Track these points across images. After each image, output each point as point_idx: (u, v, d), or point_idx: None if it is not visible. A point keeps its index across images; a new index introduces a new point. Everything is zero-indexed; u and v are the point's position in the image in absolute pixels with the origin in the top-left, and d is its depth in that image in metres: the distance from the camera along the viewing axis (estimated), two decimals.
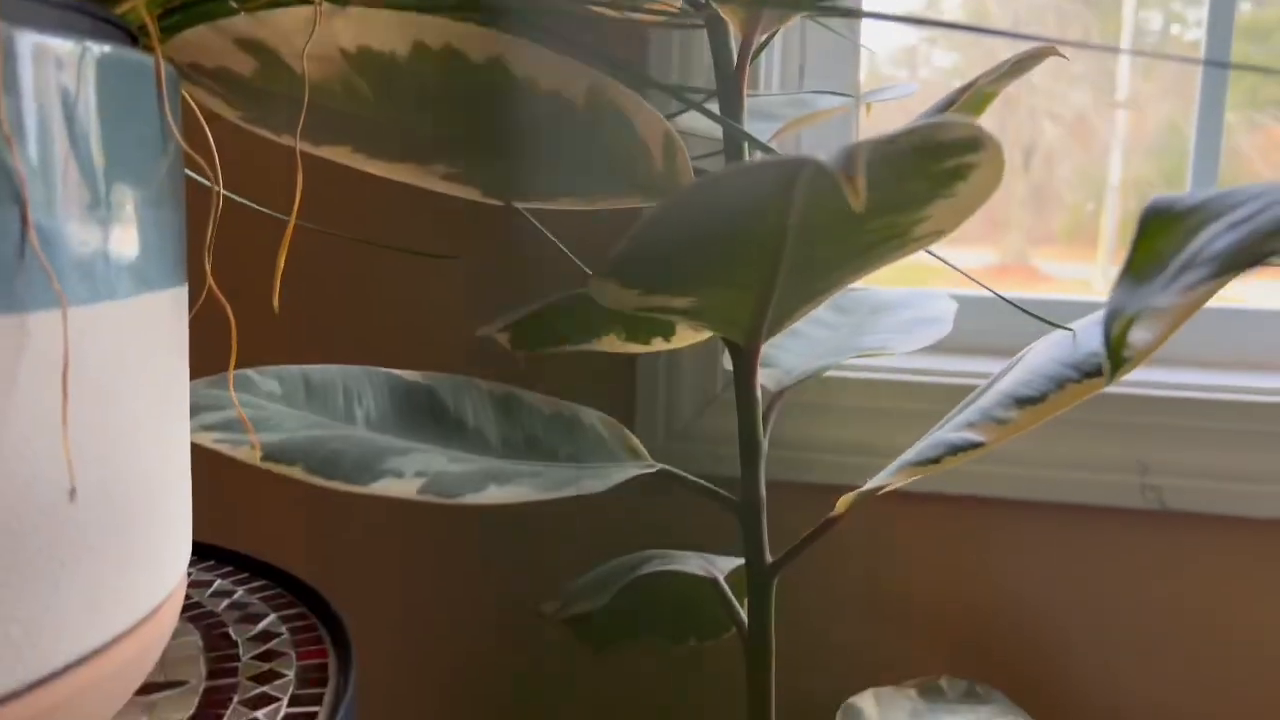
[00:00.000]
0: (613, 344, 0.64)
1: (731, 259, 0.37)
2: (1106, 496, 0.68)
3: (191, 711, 0.36)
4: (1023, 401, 0.43)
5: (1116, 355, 0.21)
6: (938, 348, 0.76)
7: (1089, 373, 0.43)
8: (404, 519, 0.78)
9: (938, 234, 0.37)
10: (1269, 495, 0.68)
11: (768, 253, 0.36)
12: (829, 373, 0.69)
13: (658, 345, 0.64)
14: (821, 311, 0.65)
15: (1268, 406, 0.67)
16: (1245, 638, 0.69)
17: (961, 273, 0.49)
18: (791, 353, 0.58)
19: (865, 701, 0.62)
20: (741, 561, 0.60)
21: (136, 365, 0.30)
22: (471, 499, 0.41)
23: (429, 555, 0.78)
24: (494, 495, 0.42)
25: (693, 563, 0.57)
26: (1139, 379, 0.70)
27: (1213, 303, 0.75)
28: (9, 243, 0.25)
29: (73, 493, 0.26)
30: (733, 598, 0.53)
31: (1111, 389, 0.68)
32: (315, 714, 0.36)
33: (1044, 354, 0.46)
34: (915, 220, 0.36)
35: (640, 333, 0.63)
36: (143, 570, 0.31)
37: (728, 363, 0.68)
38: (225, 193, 0.72)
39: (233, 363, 0.38)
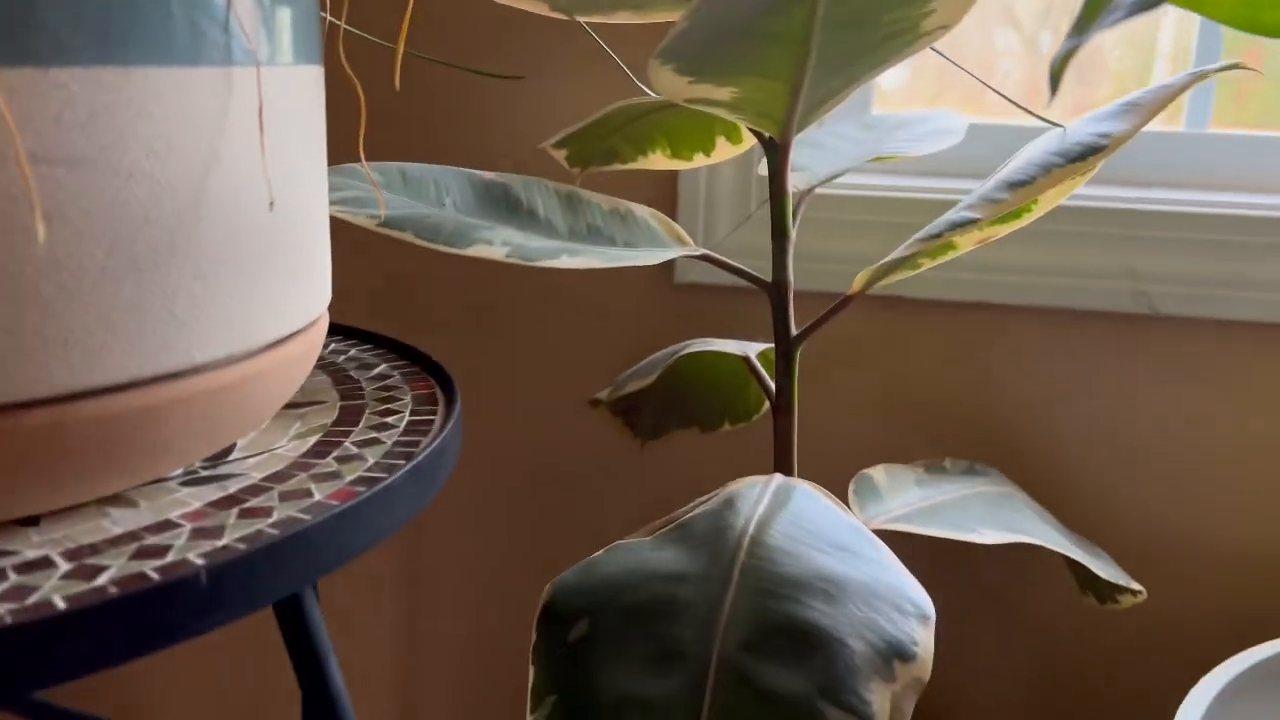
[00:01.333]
0: (659, 161, 0.72)
1: (766, 48, 0.44)
2: (1100, 302, 0.76)
3: (334, 418, 0.46)
4: (1014, 185, 0.50)
5: (1056, 78, 0.28)
6: (957, 171, 0.82)
7: (1073, 159, 0.50)
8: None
9: (944, 28, 0.44)
10: (1252, 300, 0.75)
11: (798, 44, 0.43)
12: (850, 191, 0.76)
13: (699, 161, 0.71)
14: (848, 128, 0.71)
15: (1254, 220, 0.74)
16: (1229, 434, 0.78)
17: (995, 90, 0.56)
18: (819, 160, 0.66)
19: (876, 472, 0.71)
20: (769, 345, 0.69)
21: (299, 120, 0.38)
22: (549, 263, 0.50)
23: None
24: (567, 262, 0.51)
25: (729, 344, 0.66)
26: (1132, 195, 0.77)
27: (1212, 129, 0.80)
28: (218, 14, 0.33)
29: (271, 204, 0.35)
30: (762, 368, 0.62)
31: (1105, 204, 0.75)
32: (431, 421, 0.46)
33: (1037, 147, 0.53)
34: (922, 13, 0.43)
35: (684, 149, 0.71)
36: (308, 284, 0.39)
37: (763, 168, 0.75)
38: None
39: (362, 135, 0.46)
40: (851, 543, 0.48)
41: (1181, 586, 0.80)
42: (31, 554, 0.32)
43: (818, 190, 0.73)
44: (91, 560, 0.32)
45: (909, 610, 0.45)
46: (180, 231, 0.32)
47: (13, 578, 0.31)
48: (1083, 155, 0.49)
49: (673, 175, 0.81)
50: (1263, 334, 0.76)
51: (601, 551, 0.50)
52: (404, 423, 0.46)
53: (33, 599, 0.30)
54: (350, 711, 0.45)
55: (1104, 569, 0.68)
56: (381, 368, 0.53)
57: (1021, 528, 0.64)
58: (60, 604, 0.29)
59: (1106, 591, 0.70)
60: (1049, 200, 0.60)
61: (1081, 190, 0.78)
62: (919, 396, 0.82)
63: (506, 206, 0.56)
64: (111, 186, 0.30)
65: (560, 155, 0.70)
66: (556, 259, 0.50)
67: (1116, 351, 0.78)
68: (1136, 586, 0.68)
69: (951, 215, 0.52)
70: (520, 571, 0.91)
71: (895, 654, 0.43)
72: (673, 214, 0.81)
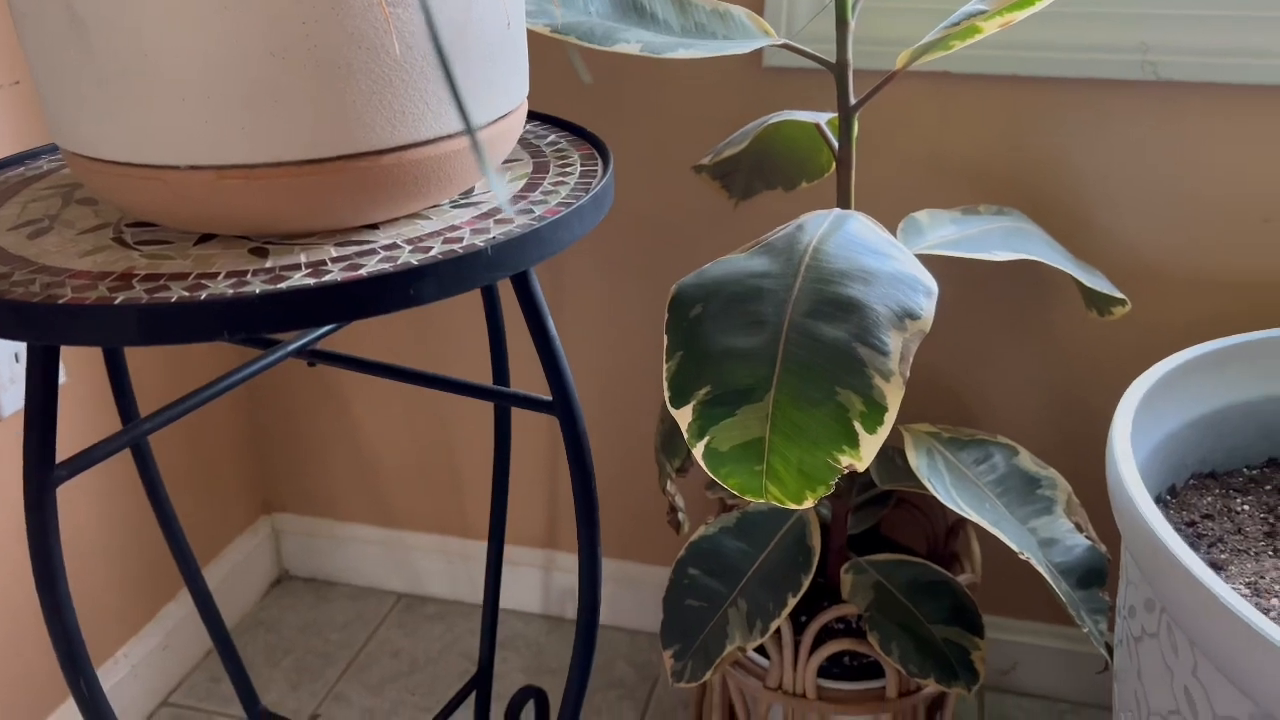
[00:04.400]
0: None
1: None
2: (1114, 71, 0.92)
3: (531, 170, 0.68)
4: None
5: None
6: None
7: None
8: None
9: None
10: (1248, 65, 0.90)
11: None
12: None
13: None
14: None
15: None
16: (1214, 179, 0.95)
17: None
18: None
19: (921, 214, 0.91)
20: (835, 114, 0.87)
21: None
22: (670, 55, 0.70)
23: None
24: (683, 54, 0.70)
25: (804, 115, 0.85)
26: None
27: None
28: None
29: (509, 23, 0.56)
30: (830, 133, 0.82)
31: None
32: (595, 171, 0.67)
33: None
34: None
35: None
36: (520, 77, 0.61)
37: None
38: None
39: None
40: (886, 249, 0.70)
41: (1165, 301, 0.99)
42: (384, 241, 0.56)
43: None
44: (421, 244, 0.55)
45: (919, 289, 0.66)
46: (458, 44, 0.54)
47: (380, 253, 0.55)
48: None
49: None
50: (1256, 94, 0.91)
51: (710, 263, 0.72)
52: (577, 171, 0.68)
53: (399, 262, 0.53)
54: (562, 353, 0.69)
55: (1098, 284, 0.88)
56: (551, 137, 0.74)
57: (1029, 250, 0.84)
58: (414, 261, 0.53)
59: (1103, 303, 0.90)
60: None
61: None
62: (962, 155, 1.00)
63: (635, 11, 0.75)
64: (421, 17, 0.51)
65: None
66: (675, 52, 0.70)
67: (1125, 113, 0.94)
68: (1122, 296, 0.88)
69: (968, 6, 0.69)
70: (637, 303, 1.15)
71: (907, 314, 0.65)
72: (760, 10, 0.98)
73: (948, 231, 0.87)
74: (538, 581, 1.32)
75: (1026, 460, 0.88)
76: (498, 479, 0.96)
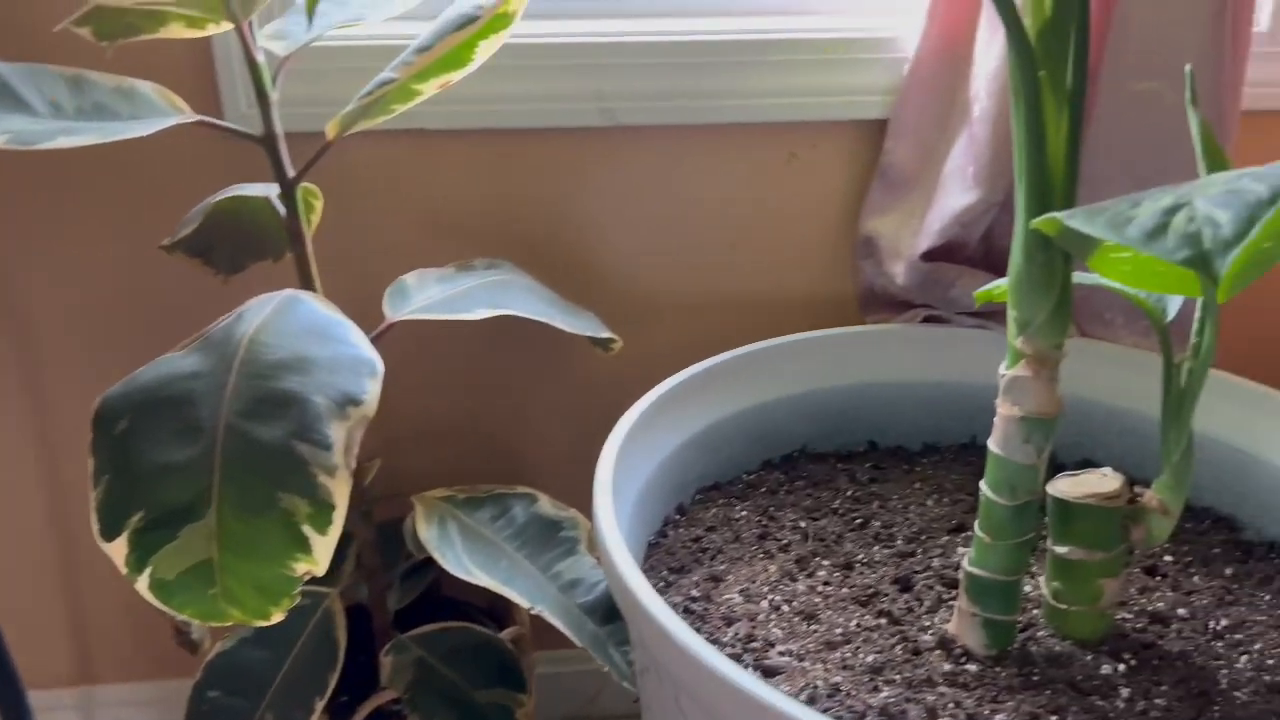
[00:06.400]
0: (179, 30, 0.82)
1: None
2: (579, 119, 0.96)
3: None
4: (420, 49, 0.67)
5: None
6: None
7: (458, 26, 0.67)
8: None
9: None
10: (691, 107, 0.97)
11: None
12: (334, 44, 0.90)
13: (213, 29, 0.82)
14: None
15: (696, 44, 0.95)
16: (684, 212, 1.02)
17: None
18: (299, 27, 0.79)
19: (410, 277, 0.89)
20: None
21: None
22: (47, 146, 0.62)
23: None
24: (64, 143, 0.63)
25: (255, 188, 0.80)
26: (598, 28, 0.95)
27: None
28: None
29: None
30: (282, 206, 0.77)
31: (571, 37, 0.94)
32: None
33: (444, 16, 0.70)
34: None
35: (198, 19, 0.81)
36: None
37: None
38: None
39: None
40: (332, 331, 0.66)
41: (663, 327, 1.06)
42: None
43: (316, 43, 0.85)
44: None
45: (364, 371, 0.63)
46: None
47: None
48: (463, 24, 0.66)
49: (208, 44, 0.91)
50: (704, 132, 0.99)
51: (143, 367, 0.65)
52: None
53: None
54: None
55: (584, 327, 0.90)
56: None
57: (509, 304, 0.85)
58: None
59: (600, 343, 0.94)
60: (486, 48, 0.77)
61: (555, 28, 0.96)
62: (456, 210, 1.00)
63: (10, 98, 0.66)
64: None
65: (85, 32, 0.79)
66: (54, 140, 0.62)
67: (596, 158, 0.99)
68: (608, 335, 0.91)
69: (380, 76, 0.68)
70: None
71: (349, 401, 0.62)
72: (213, 79, 0.91)
73: (434, 293, 0.86)
74: None
75: (546, 505, 0.89)
76: None
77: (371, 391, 0.62)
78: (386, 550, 0.94)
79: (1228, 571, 0.81)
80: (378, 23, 0.78)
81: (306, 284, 0.76)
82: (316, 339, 0.65)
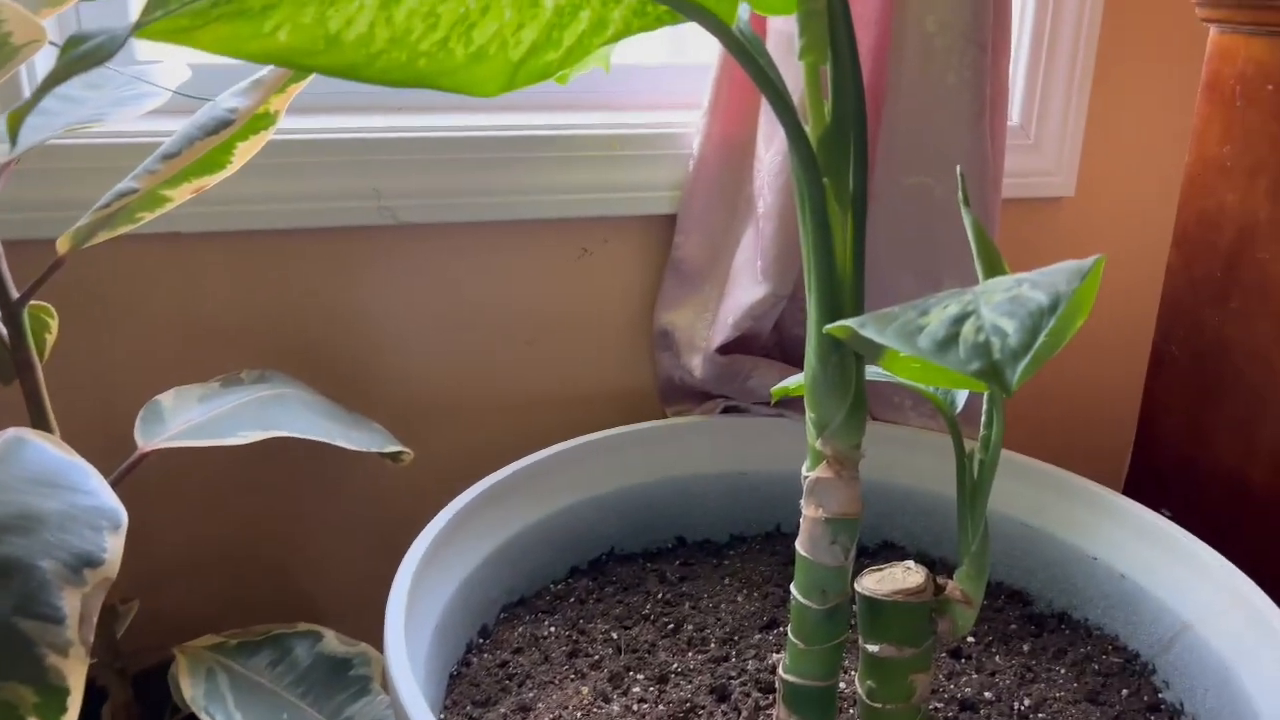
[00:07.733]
0: None
1: None
2: (357, 218, 0.90)
3: None
4: (167, 156, 0.60)
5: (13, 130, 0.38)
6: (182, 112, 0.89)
7: (210, 131, 0.60)
8: None
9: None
10: (483, 204, 0.93)
11: None
12: (72, 141, 0.81)
13: None
14: (73, 88, 0.76)
15: (477, 139, 0.91)
16: (475, 311, 0.97)
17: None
18: (29, 127, 0.70)
19: (167, 397, 0.80)
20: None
21: None
22: None
23: None
24: None
25: None
26: (373, 124, 0.91)
27: None
28: None
29: None
30: (5, 329, 0.67)
31: (348, 134, 0.88)
32: None
33: (195, 120, 0.63)
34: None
35: None
36: None
37: None
38: None
39: None
40: (64, 478, 0.57)
41: (464, 431, 1.00)
42: None
43: (52, 140, 0.76)
44: None
45: (104, 525, 0.55)
46: None
47: None
48: (216, 129, 0.60)
49: None
50: (488, 229, 0.95)
51: None
52: None
53: None
54: None
55: (369, 442, 0.84)
56: None
57: (281, 424, 0.78)
58: None
59: (390, 456, 0.87)
60: (246, 149, 0.71)
61: (327, 122, 0.90)
62: (226, 317, 0.91)
63: None
64: None
65: None
66: None
67: (379, 256, 0.93)
68: (397, 448, 0.85)
69: (120, 186, 0.60)
70: None
71: (86, 563, 0.53)
72: None
73: (195, 414, 0.78)
74: None
75: (333, 642, 0.81)
76: None
77: (113, 548, 0.54)
78: (154, 704, 0.82)
79: (1025, 648, 0.83)
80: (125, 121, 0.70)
81: (38, 418, 0.67)
82: (45, 489, 0.56)
